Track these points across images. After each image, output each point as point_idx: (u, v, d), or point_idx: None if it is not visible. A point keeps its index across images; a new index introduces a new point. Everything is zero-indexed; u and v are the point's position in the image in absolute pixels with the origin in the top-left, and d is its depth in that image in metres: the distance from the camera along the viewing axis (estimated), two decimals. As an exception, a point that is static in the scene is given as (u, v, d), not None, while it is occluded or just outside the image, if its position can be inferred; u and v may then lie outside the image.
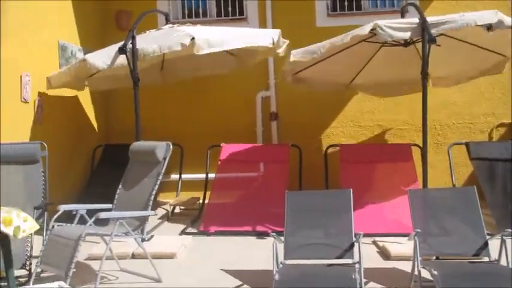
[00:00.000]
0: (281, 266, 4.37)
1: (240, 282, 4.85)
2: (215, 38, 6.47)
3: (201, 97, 8.90)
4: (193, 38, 6.19)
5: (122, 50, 6.22)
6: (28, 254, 5.15)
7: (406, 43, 6.77)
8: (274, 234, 4.43)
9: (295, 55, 6.51)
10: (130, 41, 6.31)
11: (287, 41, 7.46)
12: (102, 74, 7.75)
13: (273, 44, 6.85)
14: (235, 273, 5.09)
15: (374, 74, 7.82)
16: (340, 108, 8.83)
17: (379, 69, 7.65)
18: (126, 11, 9.05)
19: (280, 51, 7.44)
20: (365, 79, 7.99)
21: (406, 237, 5.78)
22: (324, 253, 4.51)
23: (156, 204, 5.24)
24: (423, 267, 4.27)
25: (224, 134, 8.40)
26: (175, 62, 8.25)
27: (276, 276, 4.04)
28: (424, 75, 5.86)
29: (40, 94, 7.08)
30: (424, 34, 5.65)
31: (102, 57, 6.56)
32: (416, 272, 4.28)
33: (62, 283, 3.59)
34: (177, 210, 7.97)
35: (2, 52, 6.32)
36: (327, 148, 7.90)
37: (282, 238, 4.61)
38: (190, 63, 8.17)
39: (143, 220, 5.07)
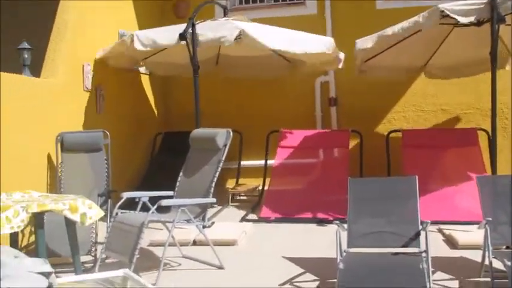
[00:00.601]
0: (345, 254, 4.27)
1: (303, 270, 4.79)
2: (266, 35, 6.44)
3: (259, 82, 8.82)
4: (241, 31, 6.17)
5: (182, 36, 6.23)
6: (93, 241, 5.26)
7: (480, 22, 6.45)
8: (337, 221, 4.33)
9: (361, 44, 6.36)
10: (190, 28, 6.31)
11: (343, 54, 7.29)
12: (159, 59, 7.82)
13: (331, 50, 6.73)
14: (297, 261, 5.03)
15: (447, 56, 7.52)
16: (402, 93, 8.59)
17: (453, 51, 7.36)
18: (184, 1, 9.07)
19: (340, 65, 7.38)
20: (438, 62, 7.70)
21: (473, 225, 5.60)
22: (388, 242, 4.38)
23: (217, 191, 5.20)
24: (494, 257, 4.09)
25: (283, 119, 8.34)
26: (230, 59, 8.26)
27: (341, 265, 3.95)
28: (494, 56, 5.60)
29: (101, 83, 7.19)
30: (493, 14, 5.40)
31: (151, 35, 6.62)
32: (487, 262, 4.11)
33: (127, 270, 3.61)
34: (236, 196, 7.99)
35: (65, 43, 6.44)
36: (389, 133, 7.72)
37: (345, 226, 4.51)
38: (243, 62, 8.17)
39: (204, 207, 5.07)
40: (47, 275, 2.50)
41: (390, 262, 4.17)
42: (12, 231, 3.89)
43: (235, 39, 6.24)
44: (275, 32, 6.75)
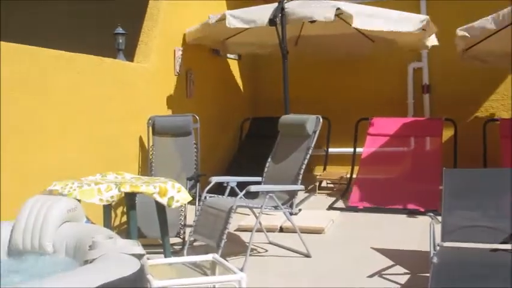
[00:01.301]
0: (438, 248, 4.08)
1: (392, 262, 4.63)
2: (364, 14, 6.23)
3: (348, 67, 8.65)
4: (338, 8, 6.02)
5: (272, 22, 6.16)
6: (182, 223, 5.33)
7: None
8: (431, 213, 4.15)
9: (463, 32, 6.03)
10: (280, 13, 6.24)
11: (434, 30, 6.91)
12: (240, 39, 7.76)
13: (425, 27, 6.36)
14: (387, 253, 4.88)
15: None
16: (500, 80, 8.14)
17: None
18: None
19: (429, 43, 7.01)
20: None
21: None
22: (486, 237, 4.14)
23: (304, 178, 5.12)
24: None
25: (373, 106, 8.15)
26: (310, 39, 8.07)
27: (434, 259, 3.77)
28: None
29: (191, 68, 7.26)
30: None
31: (241, 16, 6.55)
32: None
33: (216, 255, 3.62)
34: (323, 184, 7.89)
35: (157, 27, 6.54)
36: (485, 123, 7.34)
37: (439, 218, 4.31)
38: (323, 42, 7.96)
39: (292, 194, 5.00)
40: (139, 256, 2.52)
41: (489, 259, 3.94)
42: (101, 203, 4.00)
43: (336, 15, 6.11)
44: (369, 11, 6.54)
